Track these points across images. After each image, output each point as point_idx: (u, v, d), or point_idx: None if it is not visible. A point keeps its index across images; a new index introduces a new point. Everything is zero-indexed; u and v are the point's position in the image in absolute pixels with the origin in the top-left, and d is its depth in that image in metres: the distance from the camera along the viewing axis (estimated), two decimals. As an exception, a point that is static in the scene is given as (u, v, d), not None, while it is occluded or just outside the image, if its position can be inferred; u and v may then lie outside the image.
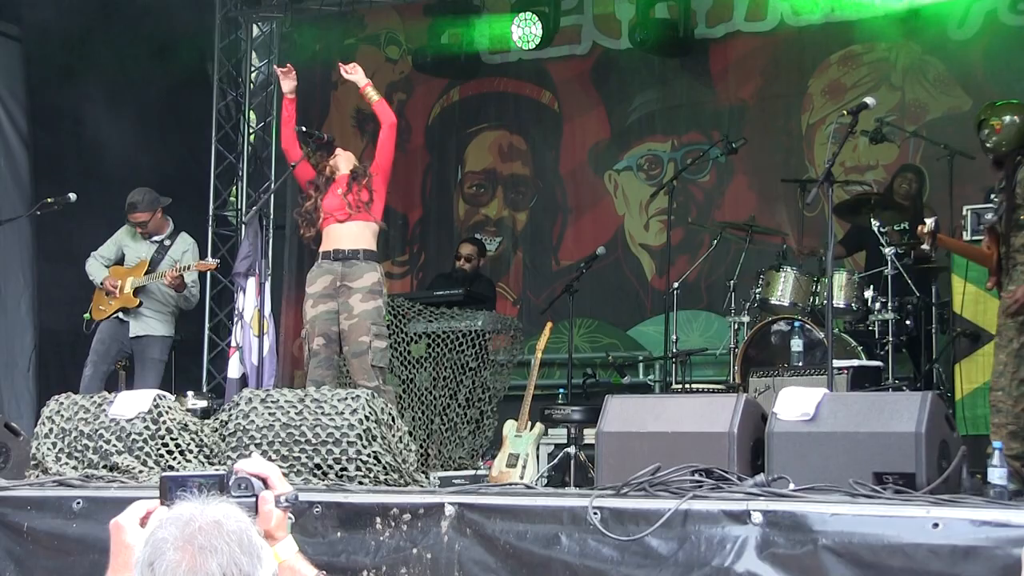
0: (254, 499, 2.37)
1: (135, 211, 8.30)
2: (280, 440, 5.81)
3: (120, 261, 8.40)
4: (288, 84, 7.17)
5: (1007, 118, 6.39)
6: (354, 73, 7.19)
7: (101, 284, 8.26)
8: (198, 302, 9.28)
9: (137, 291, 8.23)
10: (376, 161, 7.13)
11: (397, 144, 11.75)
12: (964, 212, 7.97)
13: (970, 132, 9.12)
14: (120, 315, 8.25)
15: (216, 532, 1.89)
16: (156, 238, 8.39)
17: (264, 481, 2.42)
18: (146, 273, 8.24)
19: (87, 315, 8.33)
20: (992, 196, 7.40)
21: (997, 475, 5.17)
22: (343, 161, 7.21)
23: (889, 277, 7.91)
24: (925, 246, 6.48)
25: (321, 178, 7.07)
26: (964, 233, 7.97)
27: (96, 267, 8.34)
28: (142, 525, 2.25)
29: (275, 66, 7.33)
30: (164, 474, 2.41)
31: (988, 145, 6.42)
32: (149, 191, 8.34)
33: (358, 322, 6.80)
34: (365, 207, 6.93)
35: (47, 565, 5.29)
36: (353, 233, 6.90)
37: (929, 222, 6.42)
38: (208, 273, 10.80)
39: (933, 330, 8.06)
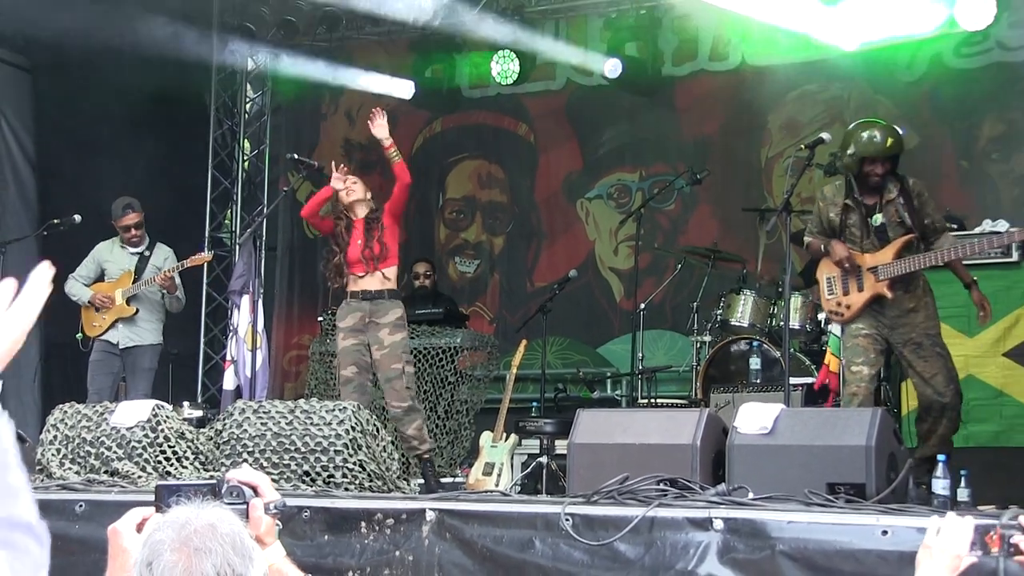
0: (245, 506, 2.38)
1: (131, 211, 8.23)
2: (271, 448, 5.80)
3: (99, 279, 8.31)
4: (337, 184, 7.37)
5: (889, 129, 6.36)
6: (381, 126, 7.36)
7: (89, 302, 8.18)
8: (196, 317, 9.29)
9: (130, 300, 8.17)
10: (389, 211, 7.35)
11: (382, 173, 11.84)
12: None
13: (916, 166, 9.25)
14: (108, 336, 8.17)
15: (211, 534, 1.88)
16: (136, 249, 8.32)
17: (254, 489, 2.42)
18: (134, 282, 8.19)
19: (79, 335, 8.25)
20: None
21: (941, 485, 5.21)
22: (359, 204, 7.38)
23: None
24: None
25: (340, 228, 7.30)
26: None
27: (78, 287, 8.22)
28: (138, 531, 2.25)
29: (335, 168, 7.40)
30: (159, 482, 2.41)
31: (886, 145, 6.24)
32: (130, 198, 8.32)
33: (389, 352, 7.04)
34: (382, 259, 7.18)
35: (50, 564, 5.25)
36: (376, 279, 7.16)
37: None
38: (204, 291, 10.79)
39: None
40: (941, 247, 6.20)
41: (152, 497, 2.40)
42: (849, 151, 6.28)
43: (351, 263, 7.19)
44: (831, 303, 6.42)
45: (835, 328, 6.80)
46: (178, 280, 8.22)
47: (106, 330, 8.19)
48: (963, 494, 5.87)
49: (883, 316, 6.29)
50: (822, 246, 6.44)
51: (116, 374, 8.22)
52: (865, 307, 6.28)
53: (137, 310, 8.16)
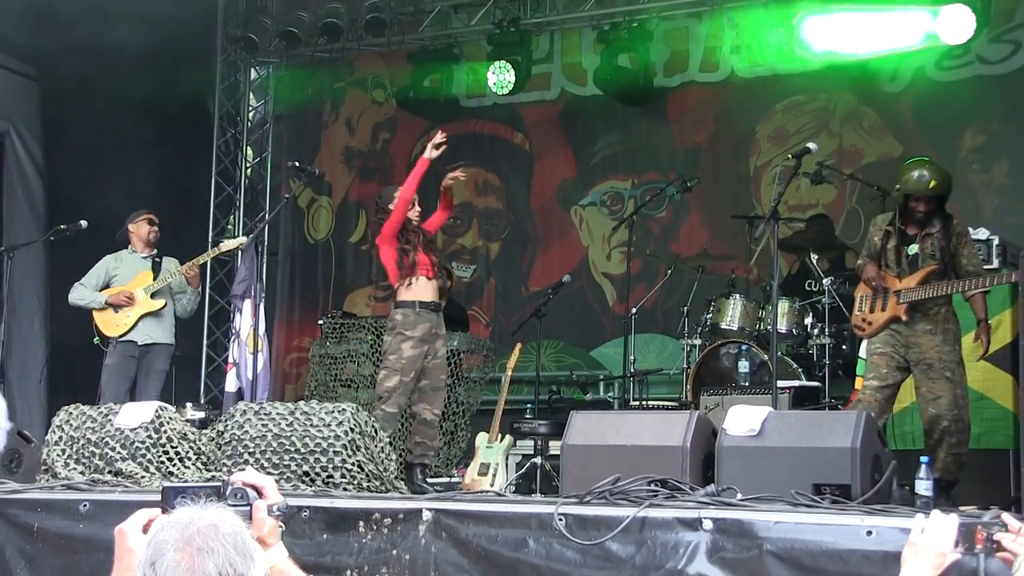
0: (249, 507, 2.37)
1: (147, 212, 8.30)
2: (272, 449, 5.78)
3: (105, 288, 8.23)
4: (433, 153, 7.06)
5: (938, 169, 6.53)
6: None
7: (107, 302, 8.13)
8: (199, 320, 9.26)
9: (154, 295, 8.16)
10: (429, 230, 7.34)
11: (381, 180, 11.80)
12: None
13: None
14: (132, 335, 8.13)
15: (213, 535, 1.88)
16: (148, 254, 8.32)
17: (259, 491, 2.41)
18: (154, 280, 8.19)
19: (96, 339, 8.18)
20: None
21: (924, 487, 5.21)
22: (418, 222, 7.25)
23: (827, 306, 7.95)
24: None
25: (410, 234, 7.08)
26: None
27: (88, 292, 8.12)
28: (144, 531, 2.23)
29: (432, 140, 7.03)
30: (165, 484, 2.40)
31: (931, 186, 6.41)
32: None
33: (441, 363, 7.09)
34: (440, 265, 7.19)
35: (55, 563, 5.24)
36: (436, 288, 7.06)
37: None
38: (207, 294, 10.78)
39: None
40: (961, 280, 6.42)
41: (156, 497, 2.39)
42: (897, 185, 6.54)
43: (422, 264, 7.00)
44: (857, 318, 6.70)
45: (863, 352, 7.07)
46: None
47: (130, 329, 8.13)
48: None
49: (900, 335, 6.49)
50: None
51: (131, 379, 8.17)
52: (884, 325, 6.51)
53: (165, 303, 8.16)
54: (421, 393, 7.02)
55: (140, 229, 8.32)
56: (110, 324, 8.12)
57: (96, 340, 8.14)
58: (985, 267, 7.01)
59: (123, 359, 8.11)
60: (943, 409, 6.26)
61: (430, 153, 7.05)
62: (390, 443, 6.17)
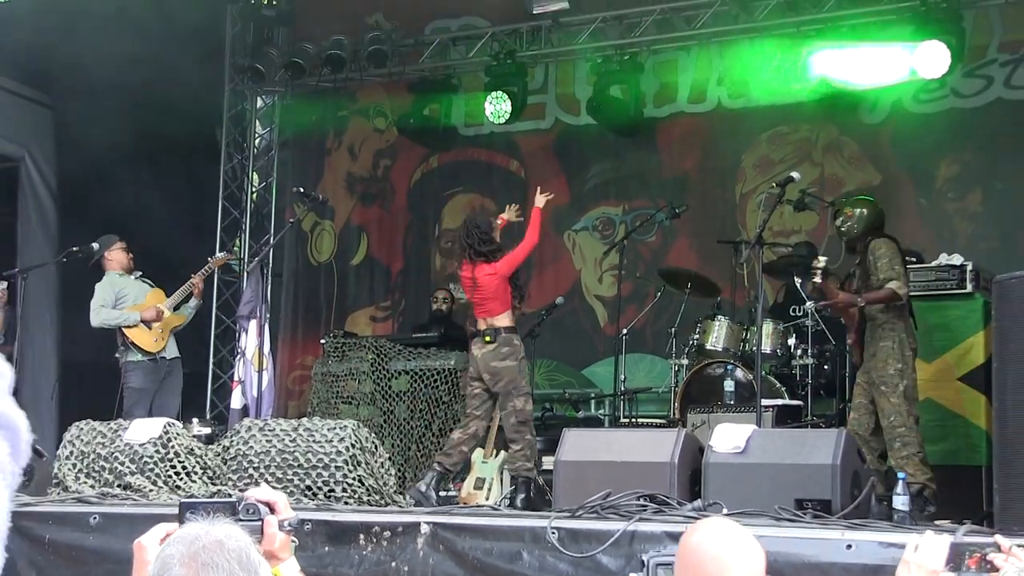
0: (259, 523, 2.37)
1: (128, 248, 8.33)
2: (276, 464, 5.80)
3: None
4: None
5: (858, 210, 6.65)
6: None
7: (140, 320, 8.13)
8: (206, 339, 9.26)
9: (176, 309, 8.23)
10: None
11: (382, 205, 11.83)
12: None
13: (882, 202, 9.31)
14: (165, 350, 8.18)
15: (218, 550, 1.86)
16: (137, 274, 8.35)
17: (271, 507, 2.41)
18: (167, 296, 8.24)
19: (139, 357, 8.13)
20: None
21: (900, 502, 5.22)
22: None
23: (810, 328, 7.98)
24: (816, 279, 6.55)
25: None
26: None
27: (116, 312, 8.10)
28: (161, 545, 2.24)
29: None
30: (182, 500, 2.40)
31: (842, 229, 6.78)
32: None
33: None
34: None
35: (65, 574, 5.24)
36: None
37: (822, 258, 6.61)
38: (213, 314, 10.80)
39: (846, 374, 8.10)
40: None
41: (163, 510, 2.40)
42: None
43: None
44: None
45: None
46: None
47: (165, 344, 8.19)
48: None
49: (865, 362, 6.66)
50: None
51: (152, 401, 8.21)
52: (860, 352, 6.72)
53: (187, 317, 8.24)
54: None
55: (119, 256, 8.30)
56: (148, 340, 8.12)
57: (137, 357, 8.11)
58: (959, 291, 7.14)
59: (155, 374, 8.16)
60: (886, 422, 6.37)
61: (541, 203, 7.58)
62: (389, 458, 6.19)
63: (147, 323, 8.12)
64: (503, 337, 7.13)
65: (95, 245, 8.33)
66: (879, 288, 6.50)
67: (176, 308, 8.25)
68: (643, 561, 2.90)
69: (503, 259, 7.29)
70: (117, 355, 8.19)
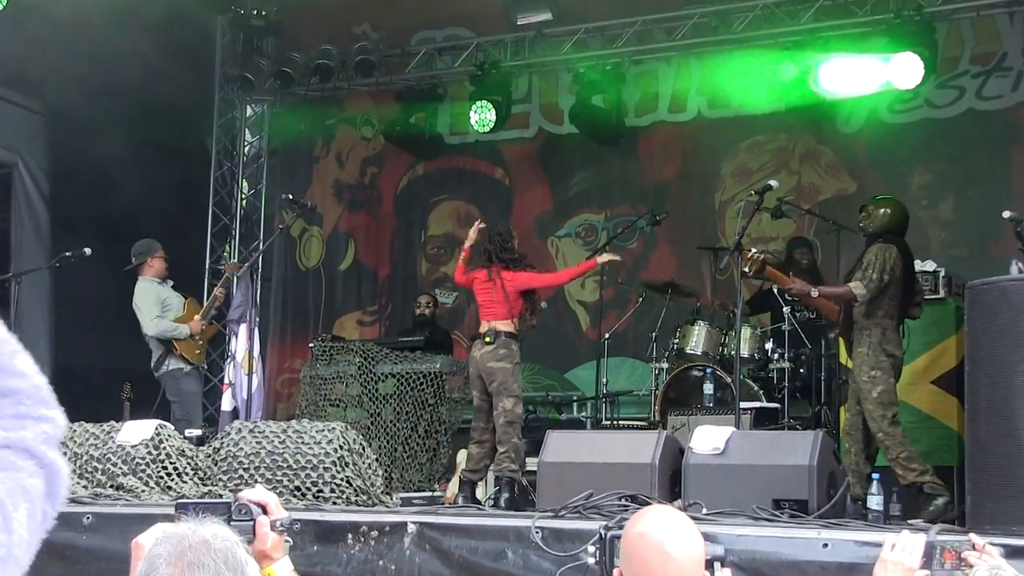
0: (251, 523, 2.37)
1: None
2: (265, 465, 5.79)
3: None
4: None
5: (880, 210, 6.63)
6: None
7: (190, 334, 8.21)
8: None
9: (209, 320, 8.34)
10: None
11: (369, 212, 11.82)
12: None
13: (855, 210, 9.32)
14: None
15: (204, 550, 1.84)
16: (170, 282, 8.41)
17: (263, 508, 2.41)
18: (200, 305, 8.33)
19: (187, 367, 8.23)
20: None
21: (875, 501, 5.26)
22: None
23: (786, 332, 8.01)
24: (746, 268, 6.39)
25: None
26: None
27: (171, 324, 8.21)
28: None
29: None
30: (179, 501, 2.40)
31: (860, 225, 6.68)
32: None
33: None
34: None
35: (59, 572, 5.22)
36: None
37: (754, 251, 6.49)
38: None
39: (822, 377, 8.14)
40: None
41: (155, 510, 2.40)
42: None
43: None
44: None
45: None
46: None
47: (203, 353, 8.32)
48: (895, 509, 5.94)
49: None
50: None
51: None
52: (848, 348, 6.68)
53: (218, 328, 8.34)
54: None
55: (159, 264, 8.44)
56: (192, 351, 8.24)
57: (186, 367, 8.17)
58: (932, 296, 7.19)
59: (199, 381, 8.36)
60: (872, 430, 6.37)
61: (603, 260, 7.79)
62: (376, 460, 6.19)
63: (194, 335, 8.26)
64: (502, 340, 7.17)
65: (87, 250, 8.30)
66: (841, 285, 6.54)
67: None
68: (601, 535, 2.92)
69: (527, 273, 7.40)
70: (159, 365, 8.30)
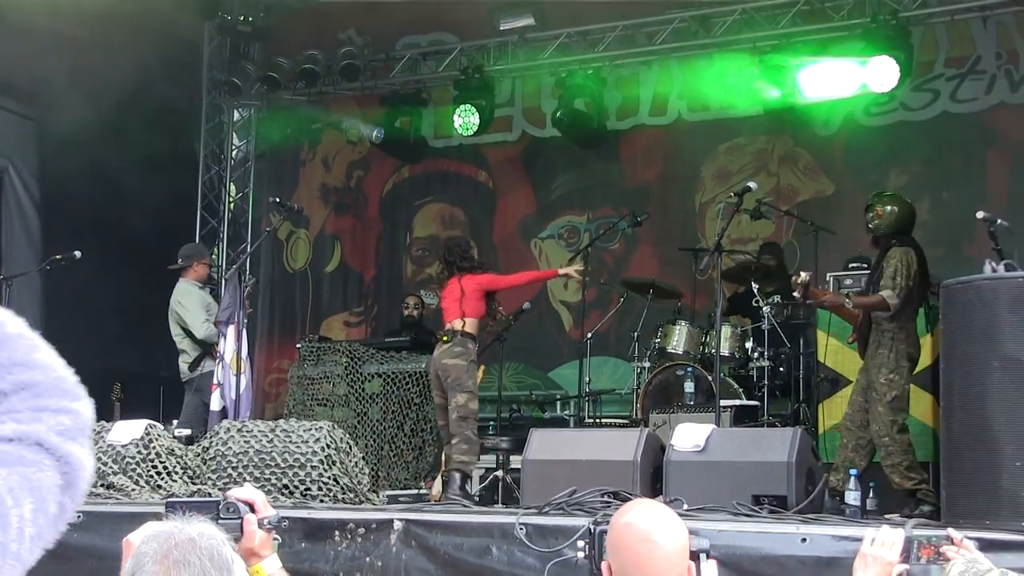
0: (239, 521, 2.37)
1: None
2: (254, 464, 5.79)
3: None
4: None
5: (888, 208, 6.54)
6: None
7: None
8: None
9: None
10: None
11: (355, 214, 11.81)
12: (828, 278, 8.09)
13: (833, 211, 9.41)
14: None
15: (190, 548, 1.82)
16: (208, 288, 8.47)
17: (251, 506, 2.41)
18: None
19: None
20: (850, 264, 7.61)
21: (852, 497, 5.29)
22: None
23: (765, 331, 8.04)
24: (796, 294, 6.36)
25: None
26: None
27: (215, 328, 8.24)
28: None
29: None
30: (168, 500, 2.40)
31: (870, 226, 6.56)
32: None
33: None
34: None
35: (50, 570, 5.19)
36: None
37: (804, 275, 6.38)
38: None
39: (800, 376, 8.16)
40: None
41: (145, 509, 2.40)
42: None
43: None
44: None
45: None
46: None
47: None
48: (871, 504, 5.96)
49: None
50: None
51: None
52: (863, 348, 6.53)
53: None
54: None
55: (203, 269, 8.52)
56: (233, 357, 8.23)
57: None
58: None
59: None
60: (873, 427, 6.29)
61: (566, 272, 8.07)
62: (363, 458, 6.19)
63: None
64: (459, 339, 7.28)
65: (77, 253, 8.27)
66: (873, 293, 6.42)
67: None
68: (590, 530, 2.93)
69: (489, 275, 7.69)
70: (195, 366, 8.40)
